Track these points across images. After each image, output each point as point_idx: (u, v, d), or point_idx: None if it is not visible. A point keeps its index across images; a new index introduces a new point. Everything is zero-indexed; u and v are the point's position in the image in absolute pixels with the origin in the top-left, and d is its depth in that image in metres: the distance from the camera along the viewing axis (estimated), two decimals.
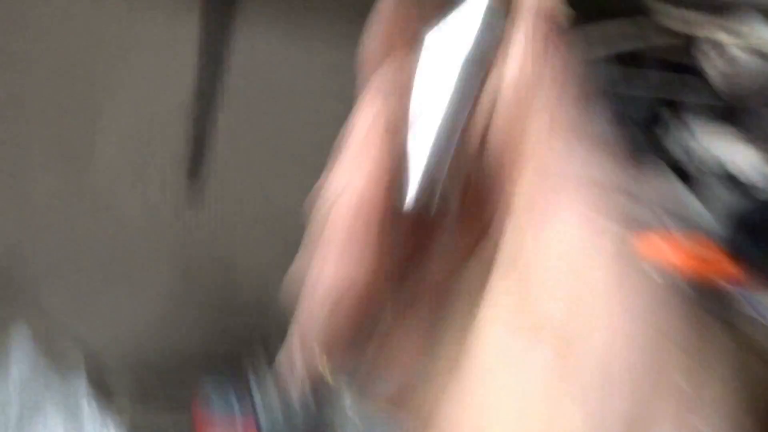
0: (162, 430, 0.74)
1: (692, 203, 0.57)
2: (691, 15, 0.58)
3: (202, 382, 0.79)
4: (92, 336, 0.75)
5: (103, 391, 0.73)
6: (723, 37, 0.55)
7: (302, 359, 0.19)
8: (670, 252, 0.44)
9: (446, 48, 0.15)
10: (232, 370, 0.85)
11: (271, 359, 0.82)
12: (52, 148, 0.71)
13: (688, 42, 0.58)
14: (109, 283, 0.77)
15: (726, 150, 0.58)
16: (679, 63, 0.59)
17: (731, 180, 0.55)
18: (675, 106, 0.64)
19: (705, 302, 0.44)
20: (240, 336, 0.86)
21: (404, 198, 0.15)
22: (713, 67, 0.54)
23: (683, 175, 0.61)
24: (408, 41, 0.16)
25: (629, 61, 0.61)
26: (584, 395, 0.13)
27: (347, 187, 0.15)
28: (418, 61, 0.15)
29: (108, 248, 0.76)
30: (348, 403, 0.53)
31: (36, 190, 0.72)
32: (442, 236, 0.17)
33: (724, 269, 0.42)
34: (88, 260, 0.75)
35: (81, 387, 0.70)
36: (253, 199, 0.81)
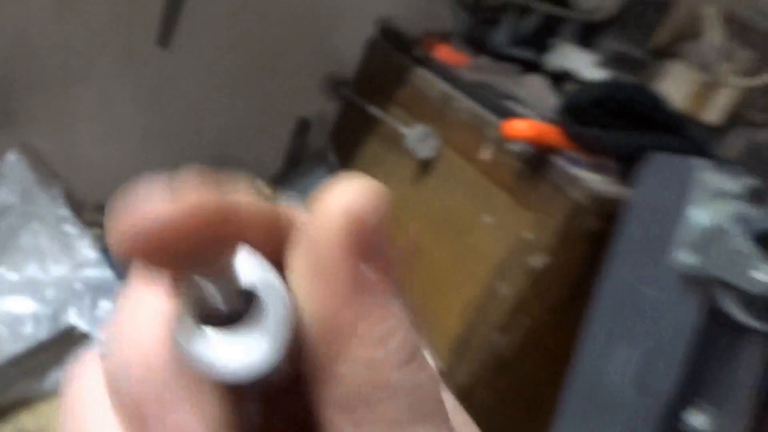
0: None
1: (550, 97, 0.79)
2: None
3: None
4: (68, 173, 0.88)
5: (77, 210, 0.87)
6: None
7: None
8: (524, 129, 0.66)
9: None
10: None
11: None
12: None
13: None
14: (90, 126, 0.89)
15: (576, 59, 0.80)
16: None
17: (576, 80, 0.77)
18: (553, 31, 0.85)
19: (540, 160, 0.68)
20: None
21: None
22: None
23: (556, 78, 0.84)
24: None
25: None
26: None
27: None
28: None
29: (89, 89, 0.87)
30: None
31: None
32: None
33: (555, 138, 0.65)
34: (70, 101, 0.86)
35: (61, 207, 0.84)
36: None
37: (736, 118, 0.91)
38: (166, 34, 0.87)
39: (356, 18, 1.00)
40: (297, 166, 1.06)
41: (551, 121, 0.66)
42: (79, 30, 0.81)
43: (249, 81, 1.00)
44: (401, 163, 0.92)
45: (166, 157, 0.99)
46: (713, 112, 0.86)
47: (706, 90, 0.83)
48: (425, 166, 0.88)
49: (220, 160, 1.03)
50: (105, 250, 0.82)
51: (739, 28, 0.82)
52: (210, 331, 0.12)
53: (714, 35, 0.77)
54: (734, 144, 0.93)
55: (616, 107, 0.67)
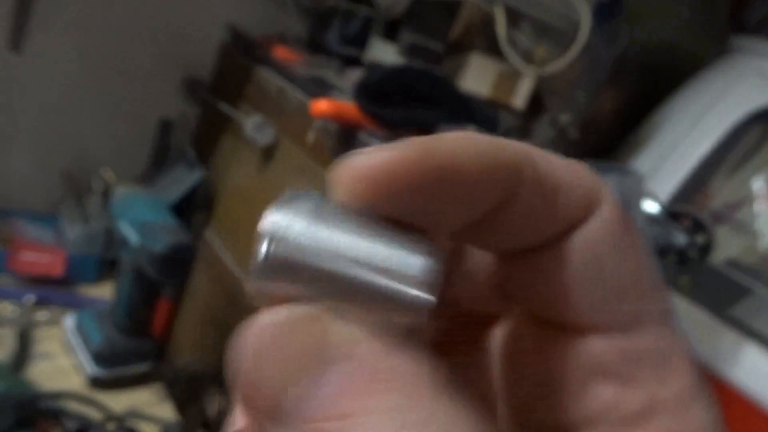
0: None
1: (351, 79, 0.90)
2: None
3: (18, 215, 1.00)
4: None
5: None
6: None
7: None
8: (325, 107, 0.76)
9: None
10: (50, 207, 1.06)
11: (80, 195, 1.05)
12: None
13: None
14: None
15: (383, 51, 0.92)
16: None
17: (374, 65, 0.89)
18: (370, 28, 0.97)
19: (346, 137, 0.79)
20: (58, 177, 1.06)
21: None
22: None
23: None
24: None
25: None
26: None
27: None
28: None
29: None
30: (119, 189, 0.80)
31: None
32: None
33: (354, 115, 0.76)
34: None
35: None
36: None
37: (540, 105, 1.05)
38: (17, 37, 0.93)
39: (210, 23, 1.09)
40: (162, 165, 1.13)
41: (350, 100, 0.77)
42: None
43: (109, 84, 1.06)
44: (249, 154, 1.00)
45: (26, 159, 1.04)
46: (518, 99, 1.00)
47: (507, 79, 0.97)
48: (267, 155, 0.97)
49: (83, 162, 1.09)
50: None
51: (527, 23, 0.96)
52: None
53: (502, 31, 0.90)
54: (544, 128, 1.07)
55: (407, 89, 0.78)
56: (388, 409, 0.11)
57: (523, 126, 1.04)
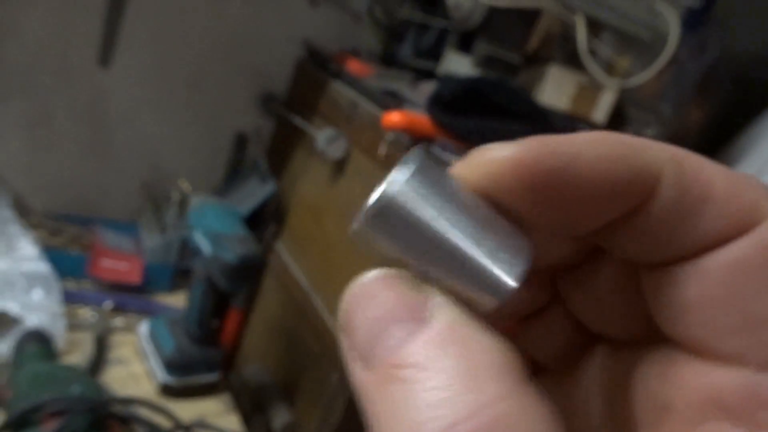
0: (69, 251, 0.98)
1: (424, 91, 0.88)
2: None
3: (100, 223, 1.04)
4: (16, 179, 0.97)
5: (24, 214, 0.96)
6: None
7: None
8: (398, 119, 0.75)
9: None
10: (129, 215, 1.10)
11: (157, 205, 1.08)
12: None
13: None
14: (33, 137, 0.98)
15: (457, 63, 0.90)
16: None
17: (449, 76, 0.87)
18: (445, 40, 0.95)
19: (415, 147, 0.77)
20: (137, 187, 1.10)
21: None
22: (451, 7, 0.84)
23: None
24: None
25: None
26: None
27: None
28: None
29: (32, 108, 0.96)
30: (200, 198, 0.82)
31: None
32: None
33: (426, 127, 0.74)
34: (15, 117, 0.96)
35: (5, 209, 0.93)
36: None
37: (623, 118, 1.00)
38: (106, 54, 0.97)
39: (286, 39, 1.11)
40: (235, 178, 1.15)
41: (423, 112, 0.75)
42: (17, 48, 0.91)
43: (187, 99, 1.10)
44: (320, 167, 1.01)
45: (107, 169, 1.08)
46: (598, 113, 0.95)
47: (587, 91, 0.92)
48: (338, 167, 0.96)
49: (161, 173, 1.12)
50: (47, 248, 0.90)
51: (609, 33, 0.91)
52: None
53: (582, 42, 0.86)
54: None
55: (482, 100, 0.75)
56: (453, 373, 0.11)
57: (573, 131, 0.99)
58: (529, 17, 0.85)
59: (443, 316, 0.12)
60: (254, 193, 1.08)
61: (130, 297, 0.96)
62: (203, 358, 0.81)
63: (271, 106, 1.13)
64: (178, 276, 1.04)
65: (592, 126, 0.96)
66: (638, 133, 1.00)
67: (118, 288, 0.97)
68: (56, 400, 0.61)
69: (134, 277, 0.96)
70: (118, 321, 0.91)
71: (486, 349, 0.12)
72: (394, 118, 0.75)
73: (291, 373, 0.93)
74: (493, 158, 0.13)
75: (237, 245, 0.74)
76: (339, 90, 0.99)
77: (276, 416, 0.88)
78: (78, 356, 0.82)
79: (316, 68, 1.06)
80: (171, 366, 0.79)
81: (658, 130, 0.98)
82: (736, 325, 0.13)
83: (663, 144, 0.14)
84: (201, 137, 1.14)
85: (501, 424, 0.11)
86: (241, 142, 1.16)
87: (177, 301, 1.02)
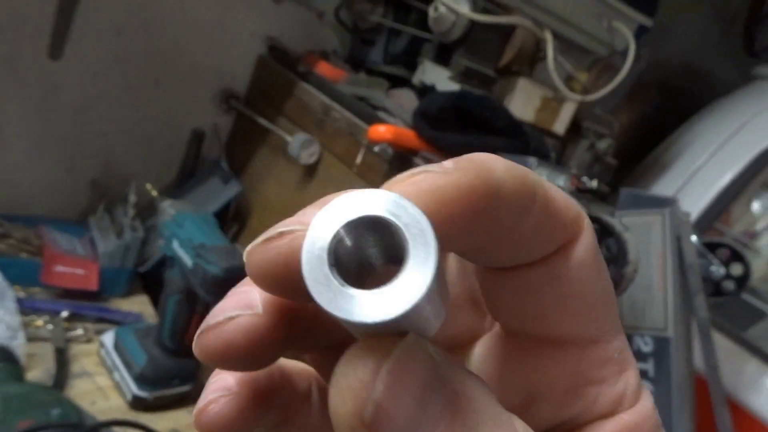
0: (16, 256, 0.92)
1: (398, 99, 0.89)
2: None
3: (45, 223, 0.98)
4: None
5: None
6: None
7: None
8: (385, 132, 0.76)
9: None
10: (77, 215, 1.03)
11: (109, 204, 1.03)
12: None
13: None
14: None
15: (435, 74, 0.91)
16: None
17: (432, 89, 0.88)
18: (419, 51, 0.96)
19: (402, 160, 0.78)
20: (87, 185, 1.04)
21: None
22: (432, 20, 0.85)
23: (421, 91, 0.94)
24: None
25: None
26: None
27: None
28: None
29: None
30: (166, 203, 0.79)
31: None
32: None
33: (412, 140, 0.75)
34: None
35: None
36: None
37: (579, 130, 1.05)
38: (56, 47, 0.91)
39: (245, 36, 1.08)
40: (191, 176, 1.11)
41: (408, 125, 0.76)
42: None
43: (142, 93, 1.04)
44: (288, 169, 0.99)
45: (56, 166, 1.02)
46: (559, 125, 1.00)
47: (550, 104, 0.97)
48: (309, 171, 0.96)
49: (111, 169, 1.07)
50: None
51: (571, 50, 0.96)
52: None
53: (550, 58, 0.90)
54: (580, 152, 1.07)
55: (464, 114, 0.77)
56: None
57: (561, 151, 1.04)
58: (504, 33, 0.87)
59: (464, 388, 0.13)
60: (216, 194, 1.05)
61: (86, 304, 0.91)
62: (177, 370, 0.78)
63: (231, 103, 1.10)
64: (133, 281, 1.00)
65: (552, 137, 1.00)
66: (593, 144, 1.05)
67: (70, 295, 0.92)
68: (39, 428, 0.58)
69: (91, 283, 0.91)
70: (76, 331, 0.87)
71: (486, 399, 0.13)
72: (380, 130, 0.75)
73: None
74: (420, 186, 0.13)
75: (220, 257, 0.72)
76: (308, 93, 0.97)
77: None
78: (39, 371, 0.77)
79: (281, 68, 1.04)
80: (143, 379, 0.77)
81: (610, 143, 1.04)
82: (581, 314, 0.16)
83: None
84: (156, 134, 1.09)
85: None
86: (197, 140, 1.12)
87: (132, 306, 0.98)
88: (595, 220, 0.67)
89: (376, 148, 0.76)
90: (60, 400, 0.64)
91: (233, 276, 0.72)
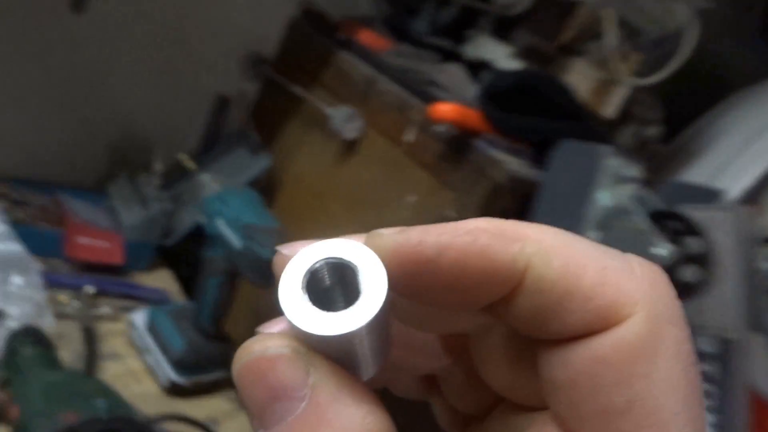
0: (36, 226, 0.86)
1: (468, 85, 0.84)
2: None
3: (63, 191, 0.91)
4: None
5: None
6: None
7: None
8: (449, 112, 0.71)
9: None
10: (93, 182, 0.97)
11: (131, 173, 0.97)
12: None
13: None
14: None
15: (493, 50, 0.86)
16: None
17: (492, 70, 0.83)
18: (469, 23, 0.90)
19: (462, 142, 0.73)
20: (105, 150, 0.98)
21: None
22: None
23: (473, 66, 0.89)
24: None
25: None
26: None
27: None
28: None
29: None
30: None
31: None
32: None
33: (477, 122, 0.71)
34: None
35: None
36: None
37: (626, 114, 1.01)
38: None
39: None
40: (215, 144, 1.05)
41: (473, 105, 0.71)
42: None
43: (165, 54, 0.97)
44: (325, 143, 0.94)
45: (73, 130, 0.95)
46: (608, 108, 0.96)
47: (603, 86, 0.92)
48: (349, 147, 0.90)
49: (131, 133, 1.00)
50: (14, 223, 0.78)
51: (630, 33, 0.91)
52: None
53: (611, 37, 0.85)
54: (624, 137, 1.03)
55: (529, 94, 0.73)
56: None
57: (607, 134, 1.00)
58: (566, 9, 0.82)
59: (319, 395, 0.14)
60: (244, 166, 0.99)
61: (111, 279, 0.86)
62: (216, 355, 0.74)
63: (259, 69, 1.03)
64: (156, 254, 0.95)
65: (599, 120, 0.96)
66: (639, 130, 1.01)
67: (92, 268, 0.86)
68: (87, 423, 0.54)
69: (116, 256, 0.86)
70: (102, 308, 0.82)
71: (350, 426, 0.14)
72: (444, 110, 0.70)
73: None
74: (382, 244, 0.15)
75: (272, 239, 0.67)
76: (350, 62, 0.91)
77: None
78: (67, 353, 0.72)
79: (317, 34, 0.98)
80: (181, 364, 0.72)
81: (658, 130, 1.01)
82: (593, 412, 0.14)
83: (540, 230, 0.14)
84: (178, 98, 1.02)
85: None
86: (222, 107, 1.05)
87: (155, 281, 0.93)
88: (673, 216, 0.64)
89: (439, 128, 0.71)
90: (103, 390, 0.60)
91: None
